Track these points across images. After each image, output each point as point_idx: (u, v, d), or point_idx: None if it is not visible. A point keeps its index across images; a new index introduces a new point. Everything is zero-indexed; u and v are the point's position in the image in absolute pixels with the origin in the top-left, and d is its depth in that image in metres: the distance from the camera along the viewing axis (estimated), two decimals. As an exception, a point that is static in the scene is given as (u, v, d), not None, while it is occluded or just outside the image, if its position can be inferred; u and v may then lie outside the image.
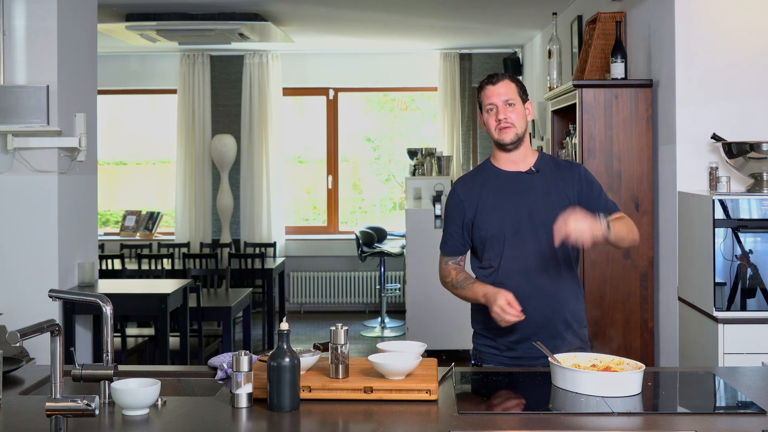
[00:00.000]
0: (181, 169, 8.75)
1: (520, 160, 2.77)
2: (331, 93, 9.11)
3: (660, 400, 2.30)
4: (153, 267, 6.58)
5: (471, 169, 8.85)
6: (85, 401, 1.90)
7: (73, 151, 4.54)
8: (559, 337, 2.70)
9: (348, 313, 8.79)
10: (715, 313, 3.49)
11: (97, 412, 1.91)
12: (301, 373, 2.24)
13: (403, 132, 9.56)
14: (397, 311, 8.49)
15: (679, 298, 3.97)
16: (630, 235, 2.68)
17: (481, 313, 2.79)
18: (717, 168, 3.85)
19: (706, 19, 3.96)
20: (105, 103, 8.97)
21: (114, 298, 2.38)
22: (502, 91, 2.71)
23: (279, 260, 7.73)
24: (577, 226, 2.46)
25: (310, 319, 8.53)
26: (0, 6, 4.33)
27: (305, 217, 9.49)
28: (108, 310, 2.20)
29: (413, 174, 7.87)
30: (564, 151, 4.89)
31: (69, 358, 3.45)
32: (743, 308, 3.48)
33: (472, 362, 2.84)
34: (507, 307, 2.56)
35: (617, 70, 4.39)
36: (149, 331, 5.76)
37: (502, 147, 2.75)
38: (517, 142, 2.74)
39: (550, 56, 5.16)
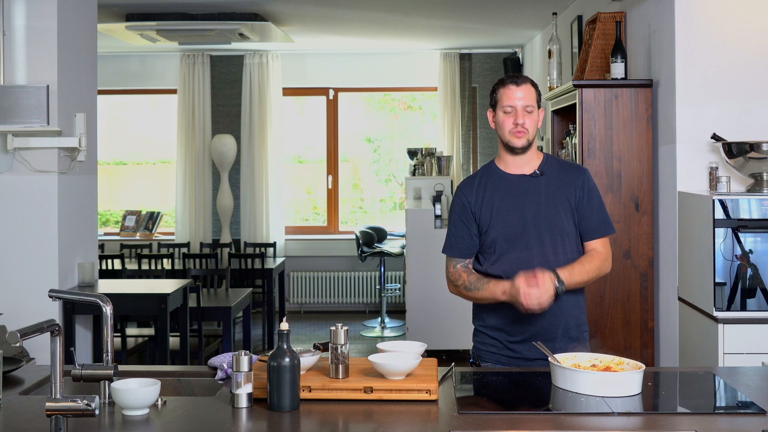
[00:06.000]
0: (181, 169, 8.75)
1: (525, 163, 2.78)
2: (331, 93, 9.11)
3: (660, 400, 2.30)
4: (153, 267, 6.58)
5: (471, 169, 8.90)
6: (85, 401, 1.90)
7: (73, 151, 4.54)
8: (558, 341, 2.71)
9: (348, 313, 8.79)
10: (715, 313, 3.49)
11: (97, 412, 1.91)
12: (301, 373, 2.24)
13: (403, 132, 9.56)
14: (397, 311, 8.49)
15: (679, 298, 3.97)
16: (597, 274, 2.76)
17: (482, 309, 2.80)
18: (717, 168, 3.85)
19: (706, 19, 3.96)
20: (105, 103, 8.97)
21: (114, 298, 2.38)
22: (524, 95, 2.71)
23: (279, 260, 7.72)
24: (536, 296, 2.55)
25: (310, 319, 8.53)
26: (0, 6, 4.33)
27: (305, 217, 9.49)
28: (108, 310, 2.20)
29: (413, 174, 7.87)
30: (564, 150, 4.89)
31: (69, 358, 3.45)
32: (743, 308, 3.48)
33: (470, 361, 2.85)
34: (530, 289, 2.54)
35: (617, 70, 4.39)
36: (149, 331, 5.76)
37: (512, 150, 2.75)
38: (527, 147, 2.75)
39: (550, 56, 5.16)
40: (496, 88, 2.77)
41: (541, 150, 2.92)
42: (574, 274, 2.67)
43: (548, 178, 2.76)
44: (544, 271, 2.60)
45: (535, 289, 2.55)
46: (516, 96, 2.71)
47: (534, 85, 2.76)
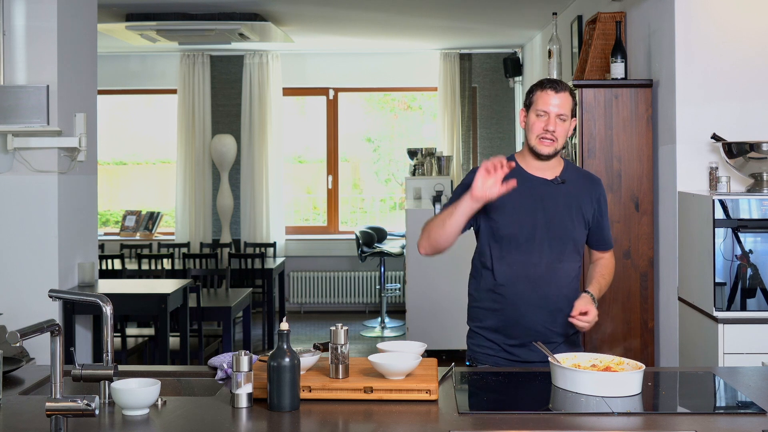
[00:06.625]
0: (181, 169, 8.75)
1: (547, 168, 2.77)
2: (331, 93, 9.11)
3: (660, 400, 2.30)
4: (153, 267, 6.58)
5: (471, 168, 8.89)
6: (85, 401, 1.90)
7: (73, 151, 4.53)
8: (553, 345, 2.70)
9: (348, 313, 8.79)
10: (715, 313, 3.49)
11: (97, 412, 1.91)
12: (301, 373, 2.24)
13: (403, 132, 9.56)
14: (397, 311, 8.49)
15: (679, 298, 3.97)
16: (608, 285, 2.89)
17: (479, 311, 2.79)
18: (717, 168, 3.85)
19: (706, 19, 3.96)
20: (105, 103, 8.97)
21: (114, 298, 2.38)
22: (560, 103, 2.68)
23: (279, 260, 7.72)
24: (587, 322, 2.63)
25: (310, 319, 8.53)
26: (0, 6, 4.33)
27: (305, 217, 9.49)
28: (108, 310, 2.20)
29: (413, 174, 7.87)
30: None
31: (69, 358, 3.44)
32: (743, 308, 3.48)
33: (467, 363, 2.84)
34: (491, 168, 2.51)
35: (617, 70, 4.39)
36: (149, 331, 5.76)
37: (537, 156, 2.74)
38: (552, 156, 2.74)
39: (550, 56, 5.15)
40: (534, 90, 2.74)
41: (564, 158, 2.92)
42: (602, 288, 2.80)
43: (568, 186, 2.77)
44: (584, 298, 2.66)
45: (490, 182, 2.51)
46: (551, 102, 2.68)
47: (572, 94, 2.73)
